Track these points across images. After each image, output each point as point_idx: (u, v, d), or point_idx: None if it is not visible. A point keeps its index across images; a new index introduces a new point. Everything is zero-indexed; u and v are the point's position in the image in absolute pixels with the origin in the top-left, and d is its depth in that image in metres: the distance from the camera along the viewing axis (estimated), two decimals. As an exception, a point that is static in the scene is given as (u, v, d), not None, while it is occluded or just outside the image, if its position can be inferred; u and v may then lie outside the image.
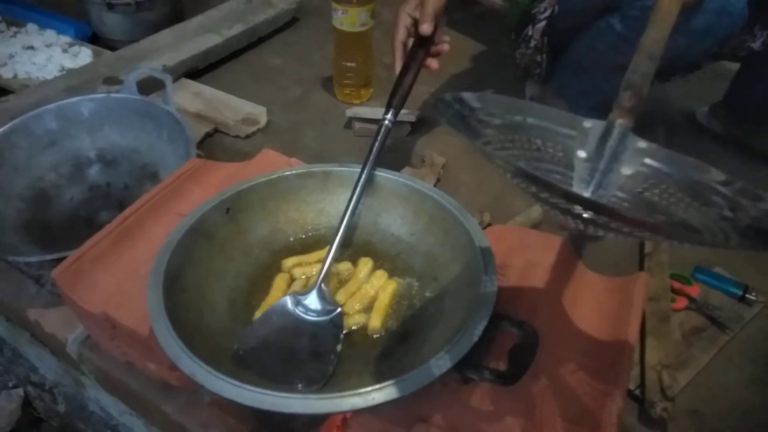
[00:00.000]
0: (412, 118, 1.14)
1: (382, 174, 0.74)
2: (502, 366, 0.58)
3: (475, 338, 0.55)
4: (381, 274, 0.70)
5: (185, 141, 0.90)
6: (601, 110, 0.57)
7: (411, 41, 0.88)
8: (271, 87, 1.31)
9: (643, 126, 0.55)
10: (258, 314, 0.66)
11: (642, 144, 0.54)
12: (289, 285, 0.69)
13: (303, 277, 0.70)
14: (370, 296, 0.68)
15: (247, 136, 1.15)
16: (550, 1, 1.06)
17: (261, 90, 1.29)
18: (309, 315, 0.64)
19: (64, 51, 1.32)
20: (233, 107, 1.20)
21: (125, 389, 0.73)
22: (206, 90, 1.24)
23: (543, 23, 1.07)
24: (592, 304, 0.69)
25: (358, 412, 0.58)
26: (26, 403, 0.98)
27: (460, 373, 0.56)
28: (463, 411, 0.57)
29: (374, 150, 0.73)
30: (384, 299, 0.67)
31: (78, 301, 0.67)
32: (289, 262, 0.71)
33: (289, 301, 0.64)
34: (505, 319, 0.61)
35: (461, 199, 0.72)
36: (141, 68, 1.01)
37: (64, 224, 0.90)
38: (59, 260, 0.70)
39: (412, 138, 1.15)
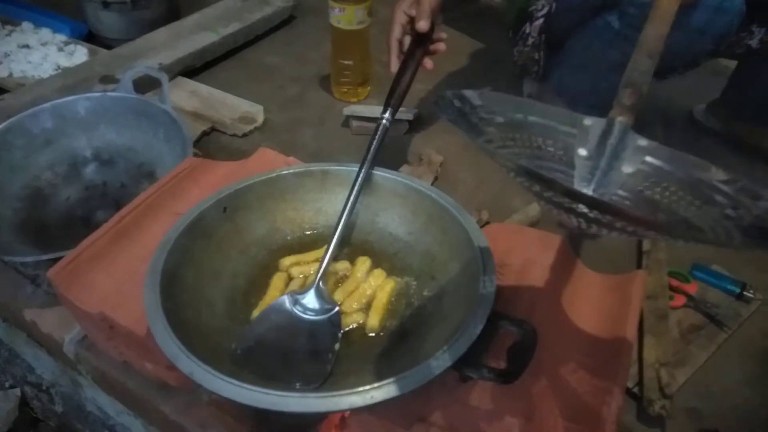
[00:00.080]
0: (410, 117, 1.14)
1: (379, 173, 0.74)
2: (501, 364, 0.58)
3: (474, 337, 0.54)
4: (379, 273, 0.70)
5: (182, 140, 0.90)
6: (599, 108, 0.57)
7: (407, 39, 0.87)
8: (268, 85, 1.31)
9: (640, 124, 0.55)
10: (256, 313, 0.66)
11: (643, 142, 0.54)
12: (287, 284, 0.69)
13: (301, 276, 0.70)
14: (368, 295, 0.67)
15: (244, 135, 1.15)
16: (547, -1, 1.06)
17: (258, 88, 1.28)
18: (307, 314, 0.63)
19: (60, 49, 1.31)
20: (230, 106, 1.19)
21: (123, 389, 0.73)
22: (203, 88, 1.24)
23: (540, 21, 1.07)
24: (590, 302, 0.69)
25: (356, 411, 0.57)
26: (23, 403, 0.98)
27: (459, 372, 0.56)
28: (462, 410, 0.57)
29: (372, 149, 0.72)
30: (382, 298, 0.67)
31: (75, 301, 0.66)
32: (286, 261, 0.71)
33: (287, 300, 0.64)
34: (503, 317, 0.61)
35: (459, 197, 0.72)
36: (137, 67, 1.01)
37: (60, 224, 0.90)
38: (56, 260, 0.69)
39: (410, 136, 1.15)
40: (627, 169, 0.54)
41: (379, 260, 0.72)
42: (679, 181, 0.52)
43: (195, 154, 0.89)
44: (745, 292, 0.84)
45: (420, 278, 0.69)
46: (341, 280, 0.70)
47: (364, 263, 0.71)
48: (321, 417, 0.61)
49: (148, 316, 0.56)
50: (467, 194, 1.02)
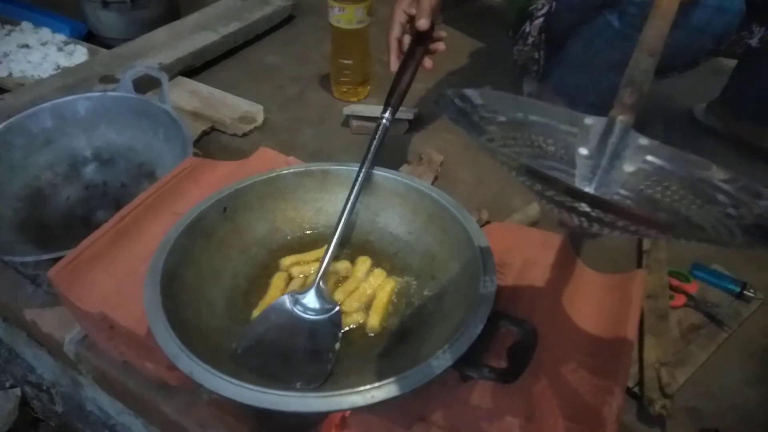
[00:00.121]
0: (410, 116, 1.14)
1: (380, 172, 0.74)
2: (501, 364, 0.58)
3: (475, 336, 0.54)
4: (379, 273, 0.70)
5: (182, 139, 0.89)
6: (599, 107, 0.57)
7: (406, 38, 0.87)
8: (268, 85, 1.30)
9: (640, 123, 0.55)
10: (256, 313, 0.65)
11: (643, 141, 0.54)
12: (287, 284, 0.69)
13: (301, 275, 0.70)
14: (369, 295, 0.67)
15: (244, 135, 1.15)
16: (547, -2, 1.06)
17: (258, 88, 1.28)
18: (307, 313, 0.63)
19: (60, 49, 1.31)
20: (230, 105, 1.19)
21: (123, 389, 0.73)
22: (203, 88, 1.24)
23: (540, 20, 1.07)
24: (590, 301, 0.68)
25: (357, 411, 0.57)
26: (24, 403, 0.98)
27: (460, 372, 0.56)
28: (462, 409, 0.57)
29: (372, 148, 0.72)
30: (382, 298, 0.67)
31: (75, 300, 0.66)
32: (287, 260, 0.71)
33: (287, 300, 0.64)
34: (504, 317, 0.61)
35: (459, 196, 0.72)
36: (137, 66, 1.01)
37: (60, 223, 0.90)
38: (56, 260, 0.69)
39: (410, 136, 1.15)
40: (628, 168, 0.54)
41: (379, 260, 0.72)
42: (680, 180, 0.52)
43: (195, 154, 0.89)
44: (745, 292, 0.84)
45: (420, 278, 0.69)
46: (341, 279, 0.70)
47: (364, 263, 0.71)
48: (321, 417, 0.61)
49: (149, 316, 0.56)
50: (467, 194, 1.02)
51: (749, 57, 1.06)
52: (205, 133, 1.14)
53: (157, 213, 0.75)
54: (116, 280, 0.68)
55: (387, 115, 0.76)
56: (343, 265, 0.71)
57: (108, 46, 1.34)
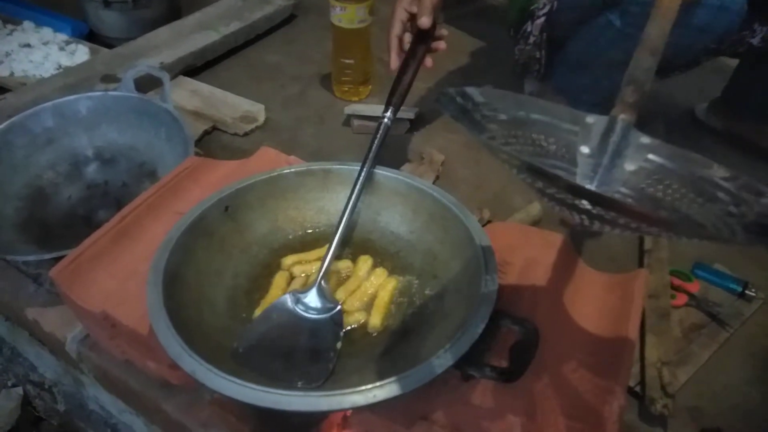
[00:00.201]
0: (411, 115, 1.14)
1: (381, 172, 0.74)
2: (503, 363, 0.58)
3: (476, 335, 0.54)
4: (381, 272, 0.70)
5: (183, 139, 0.90)
6: (600, 106, 0.57)
7: (407, 36, 0.87)
8: (269, 84, 1.30)
9: (642, 122, 0.55)
10: (258, 312, 0.66)
11: (645, 140, 0.54)
12: (289, 283, 0.69)
13: (302, 275, 0.70)
14: (370, 294, 0.67)
15: (246, 134, 1.15)
16: (548, -3, 1.06)
17: (259, 87, 1.28)
18: (309, 313, 0.63)
19: (61, 49, 1.31)
20: (231, 105, 1.19)
21: (125, 388, 0.73)
22: (204, 87, 1.24)
23: (542, 19, 1.07)
24: (592, 301, 0.68)
25: (358, 410, 0.58)
26: (26, 401, 0.98)
27: (461, 371, 0.56)
28: (464, 408, 0.57)
29: (373, 148, 0.72)
30: (384, 297, 0.67)
31: (77, 300, 0.66)
32: (288, 260, 0.71)
33: (288, 299, 0.64)
34: (505, 316, 0.61)
35: (460, 196, 0.72)
36: (138, 66, 1.01)
37: (62, 223, 0.90)
38: (57, 259, 0.70)
39: (411, 135, 1.15)
40: (629, 166, 0.54)
41: (380, 259, 0.72)
42: (682, 178, 0.52)
43: (196, 154, 0.89)
44: (747, 291, 0.84)
45: (422, 277, 0.69)
46: (343, 279, 0.70)
47: (365, 262, 0.71)
48: (323, 416, 0.62)
49: (151, 315, 0.56)
50: (469, 193, 1.02)
51: (751, 56, 1.06)
52: (206, 133, 1.14)
53: (159, 212, 0.76)
54: (118, 279, 0.68)
55: (388, 114, 0.76)
56: (344, 265, 0.71)
57: (109, 46, 1.34)
